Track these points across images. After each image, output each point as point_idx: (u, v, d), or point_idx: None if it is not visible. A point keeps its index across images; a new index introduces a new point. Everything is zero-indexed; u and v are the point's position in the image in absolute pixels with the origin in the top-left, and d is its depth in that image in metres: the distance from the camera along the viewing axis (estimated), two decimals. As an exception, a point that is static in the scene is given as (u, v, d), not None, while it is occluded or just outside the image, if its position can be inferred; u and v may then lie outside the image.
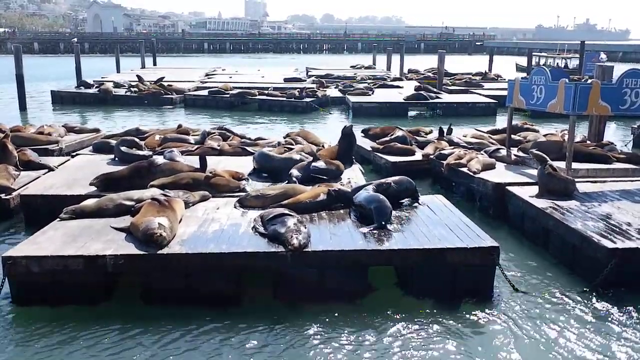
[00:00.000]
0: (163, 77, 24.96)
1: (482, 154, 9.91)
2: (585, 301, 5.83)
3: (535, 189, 7.98)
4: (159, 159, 8.39)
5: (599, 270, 5.93)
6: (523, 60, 48.58)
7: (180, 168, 8.22)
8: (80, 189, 7.86)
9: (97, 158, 10.07)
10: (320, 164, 8.63)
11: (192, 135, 11.92)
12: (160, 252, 5.54)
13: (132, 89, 23.63)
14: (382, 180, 7.32)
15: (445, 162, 9.72)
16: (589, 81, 9.32)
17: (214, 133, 11.99)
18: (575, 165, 9.00)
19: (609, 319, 5.50)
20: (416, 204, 7.28)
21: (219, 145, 10.92)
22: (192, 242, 5.81)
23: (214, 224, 6.39)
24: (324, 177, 8.27)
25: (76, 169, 9.31)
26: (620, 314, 5.58)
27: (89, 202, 6.89)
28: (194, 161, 8.78)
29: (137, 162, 8.43)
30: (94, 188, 7.73)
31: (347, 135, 9.72)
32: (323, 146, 11.06)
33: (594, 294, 5.94)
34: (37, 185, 8.38)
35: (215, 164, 9.16)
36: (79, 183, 8.17)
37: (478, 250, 5.78)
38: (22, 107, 20.95)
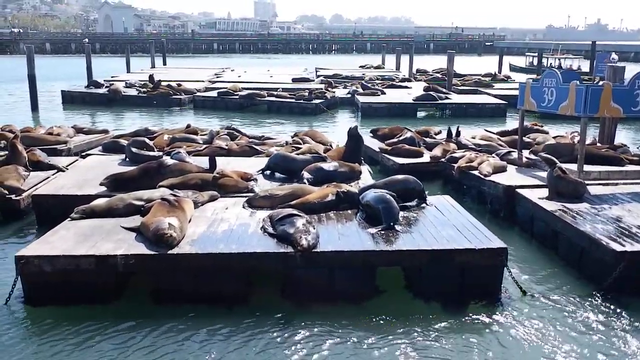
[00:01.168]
0: (152, 75, 25.23)
1: (493, 157, 9.90)
2: (593, 305, 5.81)
3: (545, 192, 7.96)
4: (169, 160, 8.45)
5: (607, 274, 5.91)
6: (515, 60, 48.90)
7: (190, 169, 8.27)
8: (91, 189, 7.92)
9: (107, 158, 10.14)
10: (333, 165, 8.61)
11: (201, 135, 11.98)
12: (170, 252, 5.58)
13: (141, 89, 23.66)
14: (387, 180, 7.29)
15: (456, 165, 9.70)
16: (600, 83, 9.24)
17: (222, 133, 12.03)
18: (587, 167, 8.93)
19: (616, 323, 5.48)
20: (424, 205, 7.28)
21: (227, 145, 10.97)
22: (201, 242, 5.86)
23: (223, 224, 6.43)
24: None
25: (87, 169, 9.38)
26: (627, 318, 5.55)
27: (99, 202, 6.95)
28: (202, 161, 8.82)
29: (147, 162, 8.49)
30: (104, 188, 7.79)
31: (352, 136, 9.70)
32: (331, 146, 11.07)
33: (601, 297, 5.92)
34: (49, 186, 8.46)
35: (225, 164, 9.20)
36: (89, 183, 8.23)
37: (486, 252, 5.78)
38: (34, 107, 21.10)
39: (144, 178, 7.89)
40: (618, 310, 5.68)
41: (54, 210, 7.46)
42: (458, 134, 11.76)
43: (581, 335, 5.25)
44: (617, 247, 5.94)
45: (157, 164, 8.27)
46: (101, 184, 7.83)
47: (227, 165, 9.17)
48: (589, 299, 5.91)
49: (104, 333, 5.15)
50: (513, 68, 44.45)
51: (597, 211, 7.27)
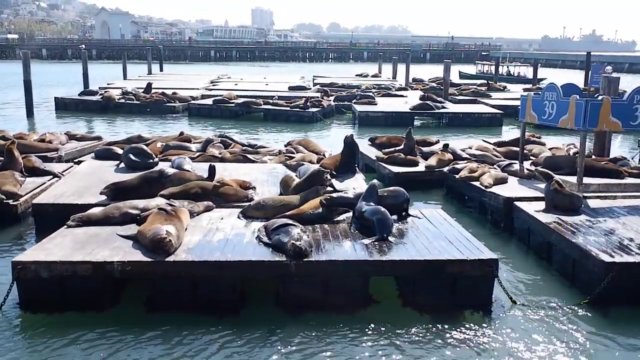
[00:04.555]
0: (151, 84, 25.22)
1: (494, 168, 9.97)
2: (582, 315, 5.86)
3: (542, 204, 8.01)
4: (169, 169, 8.46)
5: (597, 284, 5.96)
6: (466, 68, 51.03)
7: (189, 177, 8.27)
8: (91, 197, 7.89)
9: (103, 165, 10.12)
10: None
11: (194, 143, 11.89)
12: (166, 259, 5.61)
13: (127, 95, 23.34)
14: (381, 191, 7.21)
15: (457, 176, 9.79)
16: (600, 97, 9.26)
17: (215, 141, 11.92)
18: (587, 179, 8.96)
19: (604, 333, 5.52)
20: (417, 216, 7.28)
21: (220, 154, 10.89)
22: (197, 250, 5.89)
23: (218, 233, 6.46)
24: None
25: (84, 176, 9.36)
26: (615, 328, 5.60)
27: (96, 210, 6.97)
28: (196, 168, 8.72)
29: (147, 172, 8.51)
30: (104, 197, 7.78)
31: (349, 144, 9.74)
32: (324, 155, 11.02)
33: (590, 307, 5.97)
34: (48, 194, 8.42)
35: (221, 171, 9.16)
36: (89, 191, 8.22)
37: (477, 262, 5.84)
38: (29, 113, 20.94)
39: (144, 187, 7.90)
40: (606, 321, 5.75)
41: (53, 219, 7.35)
42: (445, 146, 11.70)
43: (568, 344, 5.29)
44: (607, 258, 6.01)
45: (157, 173, 8.29)
46: (101, 193, 7.82)
47: (223, 172, 9.13)
48: (579, 309, 5.96)
49: (99, 339, 5.15)
50: (463, 75, 45.47)
51: (591, 223, 7.33)
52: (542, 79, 40.32)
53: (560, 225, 7.20)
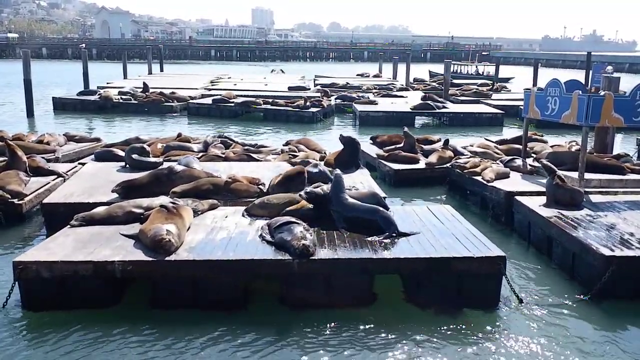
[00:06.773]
0: (147, 83, 25.24)
1: (497, 164, 9.97)
2: (585, 310, 5.87)
3: (543, 199, 7.99)
4: (178, 166, 8.46)
5: (598, 278, 5.94)
6: (435, 68, 51.67)
7: (198, 175, 8.25)
8: (102, 196, 7.85)
9: (108, 166, 10.06)
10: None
11: (194, 143, 11.83)
12: (168, 258, 5.58)
13: (123, 96, 23.23)
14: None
15: (459, 165, 9.87)
16: (602, 93, 9.23)
17: (215, 141, 11.86)
18: (588, 175, 8.94)
19: (606, 328, 5.52)
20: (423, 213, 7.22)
21: (223, 153, 10.85)
22: (199, 249, 5.85)
23: (222, 231, 6.41)
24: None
25: (90, 176, 9.29)
26: (616, 324, 5.61)
27: (99, 210, 6.93)
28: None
29: (157, 169, 8.50)
30: (114, 195, 7.76)
31: (347, 143, 9.85)
32: (325, 154, 11.02)
33: (592, 302, 5.97)
34: (57, 194, 8.38)
35: (227, 170, 9.23)
36: (98, 191, 8.19)
37: (485, 260, 5.78)
38: (30, 113, 20.77)
39: (154, 184, 7.91)
40: (607, 316, 5.76)
41: (64, 218, 7.19)
42: (446, 142, 11.70)
43: (571, 341, 5.29)
44: (606, 252, 5.99)
45: (167, 170, 8.27)
46: (113, 191, 7.80)
47: (230, 170, 9.17)
48: (581, 305, 5.97)
49: (102, 339, 5.13)
50: (434, 74, 45.49)
51: (592, 218, 7.33)
52: (509, 78, 40.67)
53: (560, 219, 7.20)
